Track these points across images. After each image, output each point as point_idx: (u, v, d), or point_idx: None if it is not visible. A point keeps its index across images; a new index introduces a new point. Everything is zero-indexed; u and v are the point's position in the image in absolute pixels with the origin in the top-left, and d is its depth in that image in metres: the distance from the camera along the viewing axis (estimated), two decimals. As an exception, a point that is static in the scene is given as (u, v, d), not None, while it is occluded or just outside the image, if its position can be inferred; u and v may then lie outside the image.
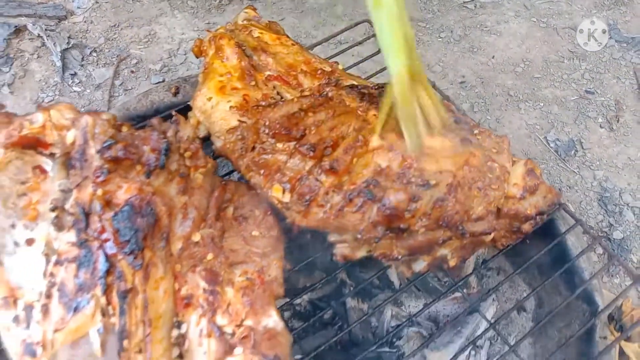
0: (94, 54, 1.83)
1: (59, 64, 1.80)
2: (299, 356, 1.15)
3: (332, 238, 1.00)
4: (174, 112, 1.10)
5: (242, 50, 1.20)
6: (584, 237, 1.27)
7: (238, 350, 0.78)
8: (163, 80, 1.75)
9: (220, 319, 0.80)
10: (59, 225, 0.84)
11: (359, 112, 1.01)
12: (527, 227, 1.08)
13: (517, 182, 1.03)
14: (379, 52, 1.54)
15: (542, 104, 1.69)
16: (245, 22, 1.31)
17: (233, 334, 0.79)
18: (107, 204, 0.84)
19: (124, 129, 0.97)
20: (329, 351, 1.15)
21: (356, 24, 1.57)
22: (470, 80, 1.69)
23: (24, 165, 0.88)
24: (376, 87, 1.10)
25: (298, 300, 1.26)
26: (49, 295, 0.79)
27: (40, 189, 0.88)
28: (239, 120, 1.06)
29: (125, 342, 0.75)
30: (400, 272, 1.10)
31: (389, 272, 1.35)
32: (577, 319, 1.18)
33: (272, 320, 0.82)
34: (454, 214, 0.95)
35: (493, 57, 1.80)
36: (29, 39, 1.87)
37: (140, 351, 0.76)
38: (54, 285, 0.79)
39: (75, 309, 0.77)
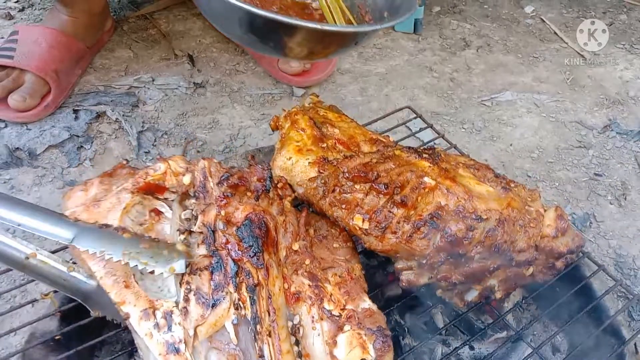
0: (165, 136, 2.12)
1: (134, 143, 2.08)
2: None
3: (399, 265, 1.20)
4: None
5: (313, 122, 1.48)
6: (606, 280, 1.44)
7: (347, 327, 0.96)
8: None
9: (327, 306, 0.98)
10: (187, 245, 1.05)
11: (417, 164, 1.25)
12: (559, 264, 1.28)
13: (550, 223, 1.24)
14: (410, 135, 1.83)
15: (557, 184, 1.94)
16: (311, 104, 1.61)
17: (339, 316, 0.97)
18: (228, 222, 1.06)
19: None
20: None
21: (400, 109, 1.88)
22: (492, 164, 1.95)
23: (144, 208, 1.11)
24: (428, 149, 1.36)
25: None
26: (186, 300, 0.97)
27: (154, 229, 1.11)
28: (318, 171, 1.30)
29: (258, 327, 0.94)
30: (454, 304, 1.28)
31: (434, 316, 1.51)
32: (606, 353, 1.33)
33: (367, 303, 1.02)
34: (502, 242, 1.16)
35: (511, 144, 2.09)
36: (107, 123, 2.17)
37: (269, 334, 0.94)
38: (190, 291, 0.98)
39: (213, 306, 0.96)
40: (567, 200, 1.88)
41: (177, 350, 0.92)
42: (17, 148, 1.98)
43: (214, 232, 1.04)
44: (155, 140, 2.12)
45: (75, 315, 1.23)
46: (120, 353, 1.37)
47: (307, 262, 1.06)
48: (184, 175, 1.17)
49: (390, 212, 1.16)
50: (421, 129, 1.79)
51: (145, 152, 2.07)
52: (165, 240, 1.08)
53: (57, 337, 1.18)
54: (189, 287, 0.98)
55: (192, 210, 1.12)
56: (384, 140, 1.48)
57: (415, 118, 1.77)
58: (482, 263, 1.17)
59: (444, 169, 1.24)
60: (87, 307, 1.07)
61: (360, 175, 1.21)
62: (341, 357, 0.94)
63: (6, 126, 2.03)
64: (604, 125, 2.08)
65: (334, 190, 1.23)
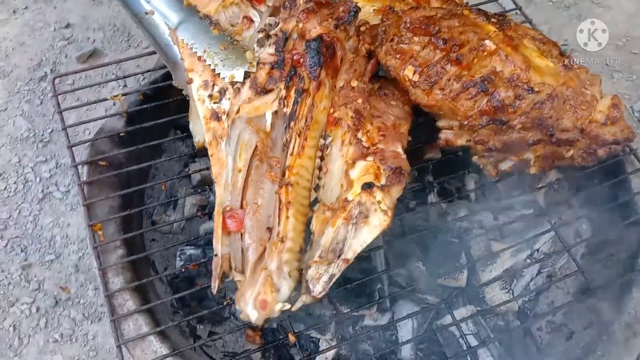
0: None
1: None
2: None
3: (441, 123, 1.23)
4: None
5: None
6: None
7: (370, 158, 1.05)
8: None
9: (360, 136, 1.07)
10: (261, 44, 1.15)
11: (483, 26, 1.22)
12: (601, 152, 1.27)
13: (603, 110, 1.21)
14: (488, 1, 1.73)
15: (635, 77, 1.83)
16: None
17: (367, 148, 1.06)
18: (302, 36, 1.12)
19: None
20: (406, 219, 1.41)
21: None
22: (571, 45, 1.85)
23: (240, 11, 1.19)
24: (499, 15, 1.31)
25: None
26: (243, 83, 1.10)
27: (241, 34, 1.19)
28: (382, 19, 1.30)
29: (292, 123, 1.05)
30: (487, 171, 1.31)
31: (467, 182, 1.57)
32: (625, 248, 1.36)
33: (399, 149, 1.08)
34: (547, 117, 1.16)
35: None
36: None
37: (299, 134, 1.05)
38: (248, 77, 1.10)
39: (262, 92, 1.08)
40: (640, 97, 1.79)
41: (219, 119, 1.08)
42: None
43: (286, 39, 1.11)
44: None
45: (139, 119, 1.36)
46: (177, 157, 1.54)
47: (360, 101, 1.12)
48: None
49: (443, 68, 1.16)
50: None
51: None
52: (243, 47, 1.16)
53: (122, 134, 1.32)
54: (248, 74, 1.10)
55: (277, 18, 1.17)
56: (457, 0, 1.43)
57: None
58: (522, 134, 1.18)
59: (509, 37, 1.21)
60: (172, 76, 1.26)
61: (421, 27, 1.20)
62: (353, 176, 1.03)
63: None
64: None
65: (392, 40, 1.23)
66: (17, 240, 1.65)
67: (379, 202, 1.00)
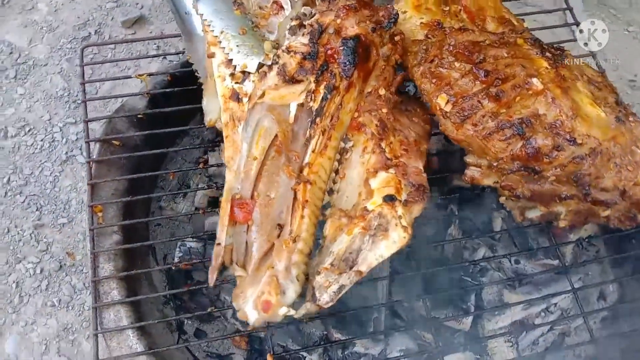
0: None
1: None
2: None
3: (469, 159, 1.13)
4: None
5: (446, -21, 1.32)
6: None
7: (392, 170, 0.99)
8: None
9: (384, 146, 1.02)
10: (293, 32, 1.09)
11: (534, 60, 1.11)
12: (644, 218, 1.15)
13: (655, 175, 1.10)
14: (562, 25, 1.60)
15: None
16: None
17: (390, 159, 1.00)
18: (338, 32, 1.06)
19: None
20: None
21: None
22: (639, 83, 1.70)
23: None
24: (556, 49, 1.19)
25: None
26: (269, 68, 1.03)
27: (267, 19, 1.14)
28: (426, 36, 1.20)
29: (317, 119, 1.00)
30: (513, 215, 1.22)
31: (494, 223, 1.47)
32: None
33: (421, 166, 1.03)
34: (586, 174, 1.05)
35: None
36: None
37: (323, 132, 1.00)
38: (276, 63, 1.04)
39: (290, 81, 1.02)
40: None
41: (240, 100, 1.03)
42: None
43: (322, 32, 1.05)
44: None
45: (163, 101, 1.32)
46: (198, 146, 1.50)
47: (384, 110, 1.06)
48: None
49: (479, 102, 1.06)
50: (567, 24, 1.56)
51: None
52: (263, 35, 1.12)
53: (140, 115, 1.29)
54: (277, 60, 1.04)
55: (313, 9, 1.11)
56: (516, 24, 1.32)
57: (565, 9, 1.53)
58: (555, 187, 1.08)
59: (561, 76, 1.10)
60: (185, 48, 1.22)
61: (464, 54, 1.11)
62: (373, 185, 0.97)
63: None
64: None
65: (432, 61, 1.14)
66: (35, 199, 1.67)
67: (400, 217, 0.94)
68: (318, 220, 1.02)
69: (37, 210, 1.66)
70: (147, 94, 1.30)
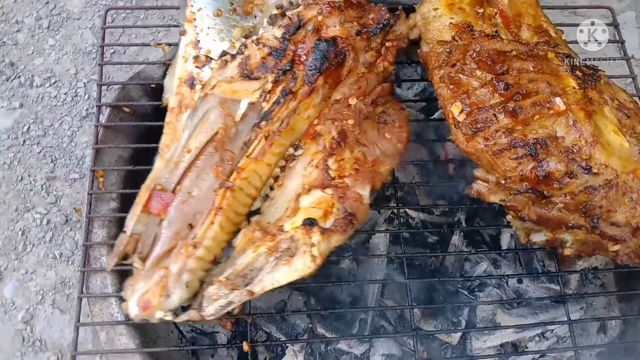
0: None
1: None
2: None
3: (477, 173, 1.09)
4: (400, 7, 1.21)
5: (484, -21, 1.25)
6: None
7: (329, 191, 0.93)
8: None
9: (330, 163, 0.95)
10: (272, 21, 1.03)
11: (562, 78, 1.05)
12: (655, 258, 1.09)
13: (672, 214, 1.03)
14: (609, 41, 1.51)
15: None
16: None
17: (332, 179, 0.94)
18: (317, 30, 1.00)
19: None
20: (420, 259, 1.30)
21: (598, 7, 1.54)
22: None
23: None
24: (589, 67, 1.12)
25: (414, 214, 1.39)
26: (233, 57, 0.98)
27: (253, 2, 1.06)
28: (453, 38, 1.15)
29: (262, 123, 0.94)
30: (518, 235, 1.17)
31: (502, 237, 1.42)
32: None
33: (365, 193, 0.95)
34: (597, 206, 0.99)
35: None
36: None
37: (266, 138, 0.95)
38: (241, 53, 0.98)
39: (247, 77, 0.96)
40: None
41: (193, 86, 0.98)
42: None
43: (299, 27, 0.99)
44: None
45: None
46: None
47: (350, 122, 0.99)
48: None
49: (495, 116, 1.01)
50: (615, 41, 1.47)
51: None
52: (237, 21, 1.05)
53: (153, 85, 1.27)
54: (242, 50, 0.99)
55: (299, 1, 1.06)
56: (554, 35, 1.24)
57: (610, 25, 1.44)
58: (562, 214, 1.03)
59: (588, 98, 1.04)
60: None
61: (487, 62, 1.05)
62: (302, 203, 0.92)
63: None
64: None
65: (453, 65, 1.09)
66: (51, 151, 1.69)
67: (312, 245, 0.88)
68: (237, 227, 0.97)
69: (51, 162, 1.68)
70: (163, 63, 1.29)
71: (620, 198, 1.00)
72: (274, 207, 0.96)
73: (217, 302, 0.89)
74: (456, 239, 1.37)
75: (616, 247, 1.08)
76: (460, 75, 1.07)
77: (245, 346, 1.07)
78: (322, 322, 1.24)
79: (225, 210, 0.91)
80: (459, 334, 1.26)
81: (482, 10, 1.21)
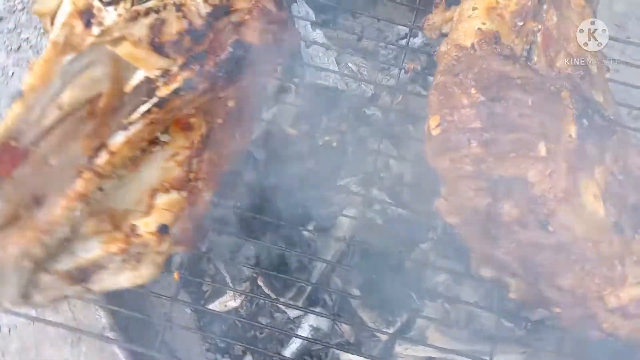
0: None
1: None
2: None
3: (442, 189, 1.05)
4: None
5: (537, -9, 1.15)
6: None
7: (184, 193, 0.87)
8: None
9: (195, 163, 0.89)
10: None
11: (564, 123, 0.97)
12: (596, 334, 1.03)
13: (623, 297, 0.96)
14: None
15: None
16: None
17: (189, 181, 0.88)
18: (238, 27, 0.89)
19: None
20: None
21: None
22: None
23: None
24: (609, 119, 1.03)
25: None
26: (147, 12, 0.83)
27: None
28: (472, 45, 1.07)
29: (155, 109, 0.83)
30: (471, 261, 1.13)
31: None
32: None
33: (209, 198, 0.92)
34: (538, 265, 0.94)
35: None
36: None
37: (151, 123, 0.84)
38: (157, 12, 0.84)
39: (155, 49, 0.84)
40: None
41: (89, 24, 0.83)
42: None
43: (228, 13, 0.89)
44: None
45: None
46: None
47: (219, 121, 0.91)
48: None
49: (468, 142, 0.95)
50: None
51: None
52: None
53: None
54: (160, 8, 0.85)
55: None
56: (596, 71, 1.13)
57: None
58: (504, 258, 0.99)
59: (582, 152, 0.96)
60: None
61: (483, 83, 0.99)
62: (157, 201, 0.86)
63: None
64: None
65: (456, 75, 1.03)
66: None
67: (159, 253, 0.86)
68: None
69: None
70: None
71: (572, 265, 0.94)
72: (124, 190, 0.85)
73: (50, 292, 0.81)
74: (425, 246, 1.34)
75: (559, 311, 1.03)
76: (455, 88, 1.01)
77: (176, 276, 1.15)
78: (265, 276, 1.29)
79: (89, 201, 0.79)
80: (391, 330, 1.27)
81: (522, 23, 1.12)
